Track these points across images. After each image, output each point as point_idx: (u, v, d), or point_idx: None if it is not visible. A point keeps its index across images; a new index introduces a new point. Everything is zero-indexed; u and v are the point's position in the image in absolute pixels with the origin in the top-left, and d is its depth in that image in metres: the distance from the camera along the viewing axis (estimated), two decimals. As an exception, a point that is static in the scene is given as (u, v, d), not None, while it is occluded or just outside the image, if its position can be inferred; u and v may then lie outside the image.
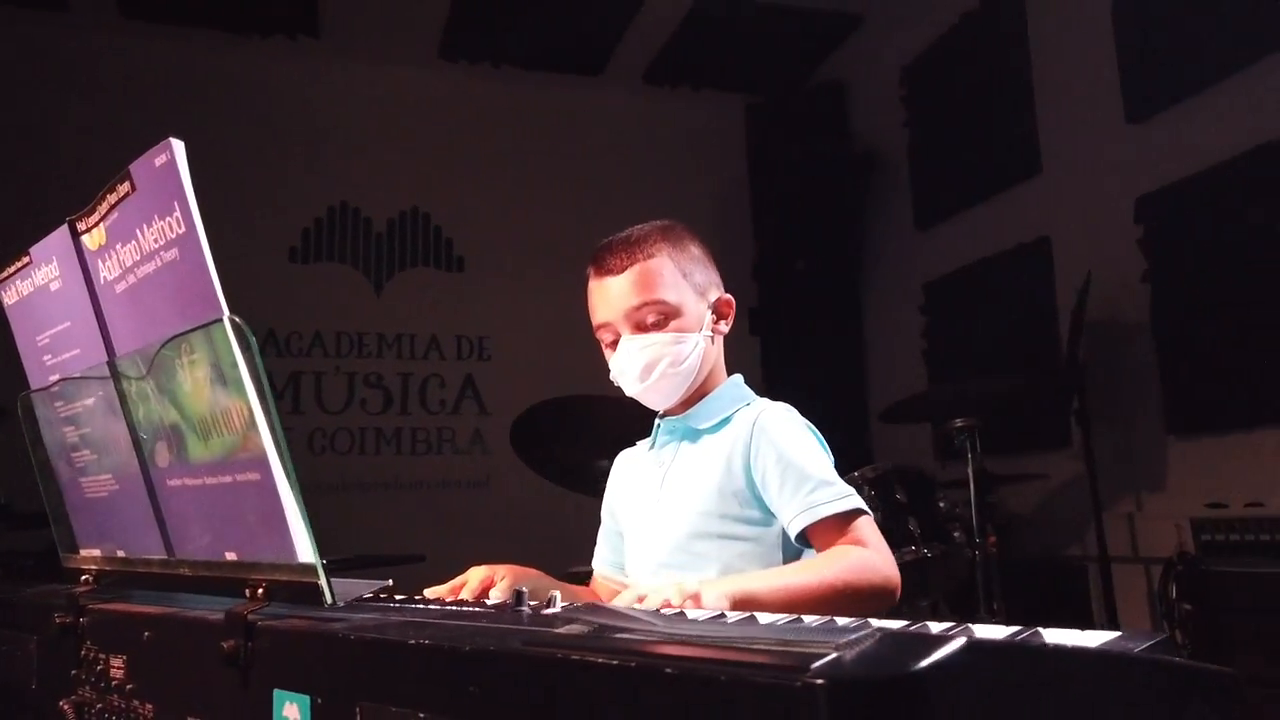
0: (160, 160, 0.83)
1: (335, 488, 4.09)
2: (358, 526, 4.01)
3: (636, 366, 1.37)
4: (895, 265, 4.47)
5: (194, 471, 0.95)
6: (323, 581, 0.80)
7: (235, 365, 0.83)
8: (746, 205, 4.83)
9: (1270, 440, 2.78)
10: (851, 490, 1.29)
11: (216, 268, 3.24)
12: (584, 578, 3.09)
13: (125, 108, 3.91)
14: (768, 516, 1.33)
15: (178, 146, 0.82)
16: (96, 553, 1.22)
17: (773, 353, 4.75)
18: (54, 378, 1.18)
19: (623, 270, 1.39)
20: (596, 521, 2.89)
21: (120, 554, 1.15)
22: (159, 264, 0.88)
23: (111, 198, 0.93)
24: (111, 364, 1.03)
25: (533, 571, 1.45)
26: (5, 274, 1.19)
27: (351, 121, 4.33)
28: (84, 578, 1.24)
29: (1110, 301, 3.18)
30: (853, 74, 4.73)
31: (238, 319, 0.82)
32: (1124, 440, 3.21)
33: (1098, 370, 3.19)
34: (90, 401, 1.11)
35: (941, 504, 2.83)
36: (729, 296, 1.47)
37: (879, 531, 1.28)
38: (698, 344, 1.39)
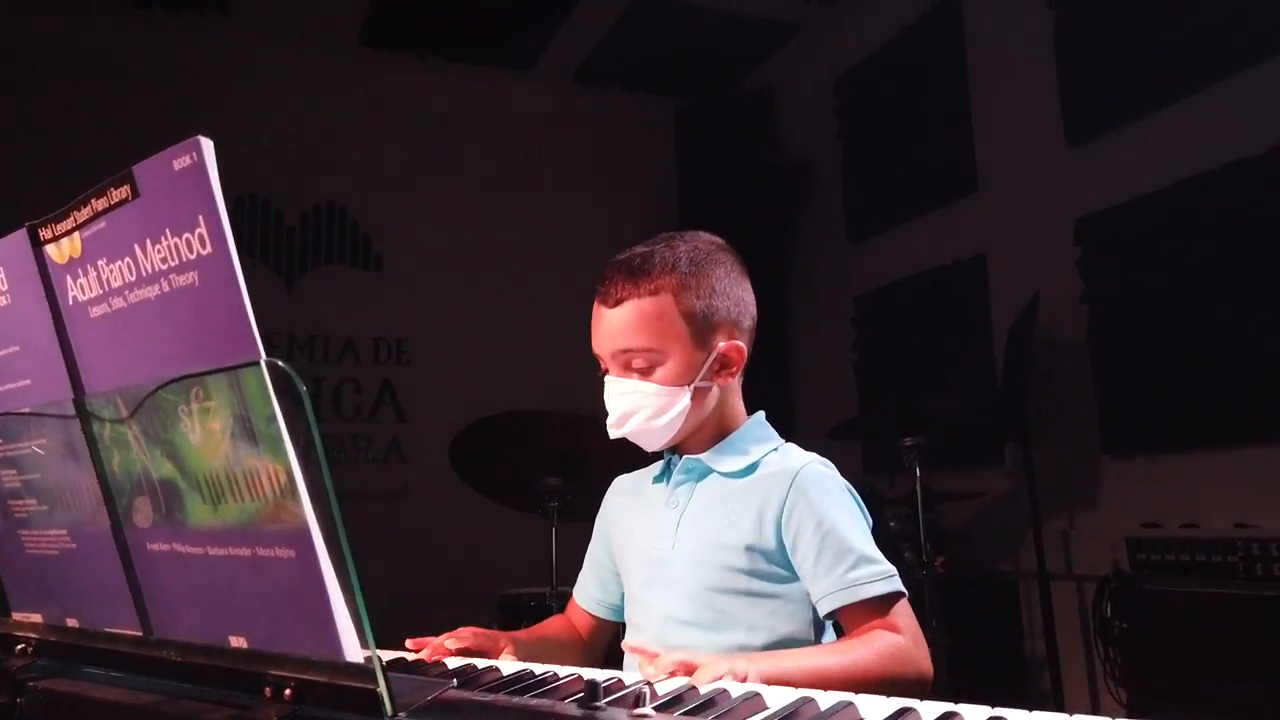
0: (182, 163, 0.67)
1: (240, 499, 3.81)
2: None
3: (614, 412, 1.27)
4: (826, 277, 4.46)
5: (191, 538, 0.79)
6: (381, 687, 0.66)
7: (272, 419, 0.67)
8: (675, 211, 4.74)
9: (1205, 463, 2.84)
10: (893, 569, 1.20)
11: None
12: (525, 599, 2.96)
13: (10, 83, 3.55)
14: (795, 573, 1.23)
15: (207, 147, 0.66)
16: (37, 618, 1.03)
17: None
18: (-14, 411, 0.98)
19: (618, 304, 1.27)
20: (535, 540, 2.76)
21: (72, 623, 0.97)
22: (166, 289, 0.72)
23: (97, 203, 0.76)
24: (79, 401, 0.85)
25: (498, 634, 1.30)
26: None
27: (263, 107, 4.05)
28: (20, 647, 1.04)
29: (1048, 321, 3.21)
30: (786, 82, 4.70)
31: (282, 364, 0.66)
32: (1060, 459, 3.25)
33: (1035, 389, 3.22)
34: (41, 442, 0.92)
35: (892, 523, 2.80)
36: (740, 344, 1.31)
37: (915, 619, 1.19)
38: (682, 399, 1.26)
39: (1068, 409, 3.24)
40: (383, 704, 0.65)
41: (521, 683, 1.02)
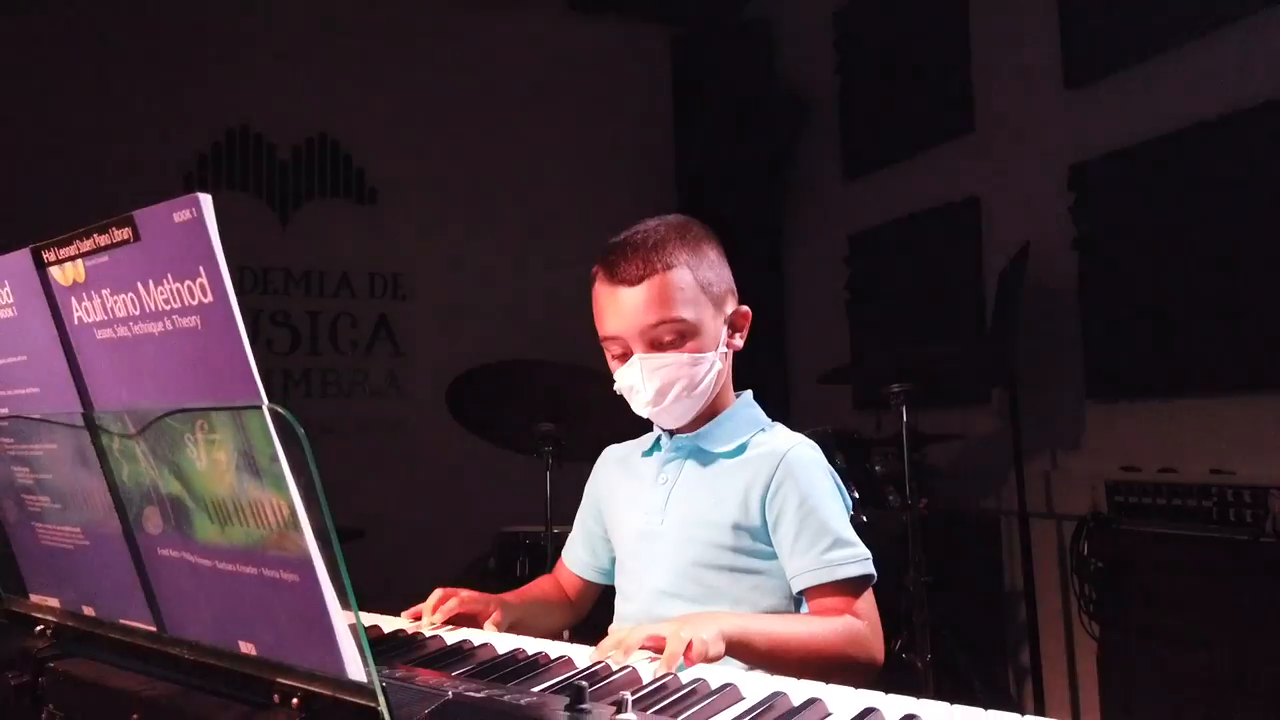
0: (182, 216, 0.70)
1: (240, 432, 3.88)
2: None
3: (650, 389, 1.29)
4: (821, 214, 4.45)
5: (200, 551, 0.83)
6: (382, 706, 0.71)
7: (274, 459, 0.71)
8: (670, 145, 4.71)
9: (1185, 410, 2.90)
10: (866, 553, 1.26)
11: (104, 189, 2.99)
12: (521, 537, 3.04)
13: (-7, 11, 3.49)
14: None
15: (205, 203, 0.69)
16: (54, 603, 1.08)
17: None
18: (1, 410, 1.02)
19: (639, 281, 1.29)
20: (529, 480, 2.84)
21: (88, 612, 1.03)
22: (169, 328, 0.75)
23: (100, 238, 0.79)
24: (89, 416, 0.89)
25: (488, 597, 1.36)
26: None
27: (252, 37, 3.99)
28: (39, 628, 1.10)
29: (1039, 266, 3.23)
30: (784, 13, 4.61)
31: (282, 410, 0.70)
32: (1045, 402, 3.31)
33: (1023, 333, 3.26)
34: (53, 447, 0.97)
35: (878, 468, 2.87)
36: (745, 308, 1.39)
37: (876, 608, 1.26)
38: (714, 364, 1.32)
39: (1054, 354, 3.28)
40: (381, 721, 0.71)
41: (514, 664, 1.09)
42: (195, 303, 0.72)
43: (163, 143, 3.85)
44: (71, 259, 0.83)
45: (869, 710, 0.87)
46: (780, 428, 1.40)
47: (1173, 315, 2.91)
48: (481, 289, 4.21)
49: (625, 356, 1.31)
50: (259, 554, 0.77)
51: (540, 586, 1.54)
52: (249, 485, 0.74)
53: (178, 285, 0.72)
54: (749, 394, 1.44)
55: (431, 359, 4.11)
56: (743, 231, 4.55)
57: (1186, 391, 2.89)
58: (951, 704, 0.89)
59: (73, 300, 0.86)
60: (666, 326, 1.29)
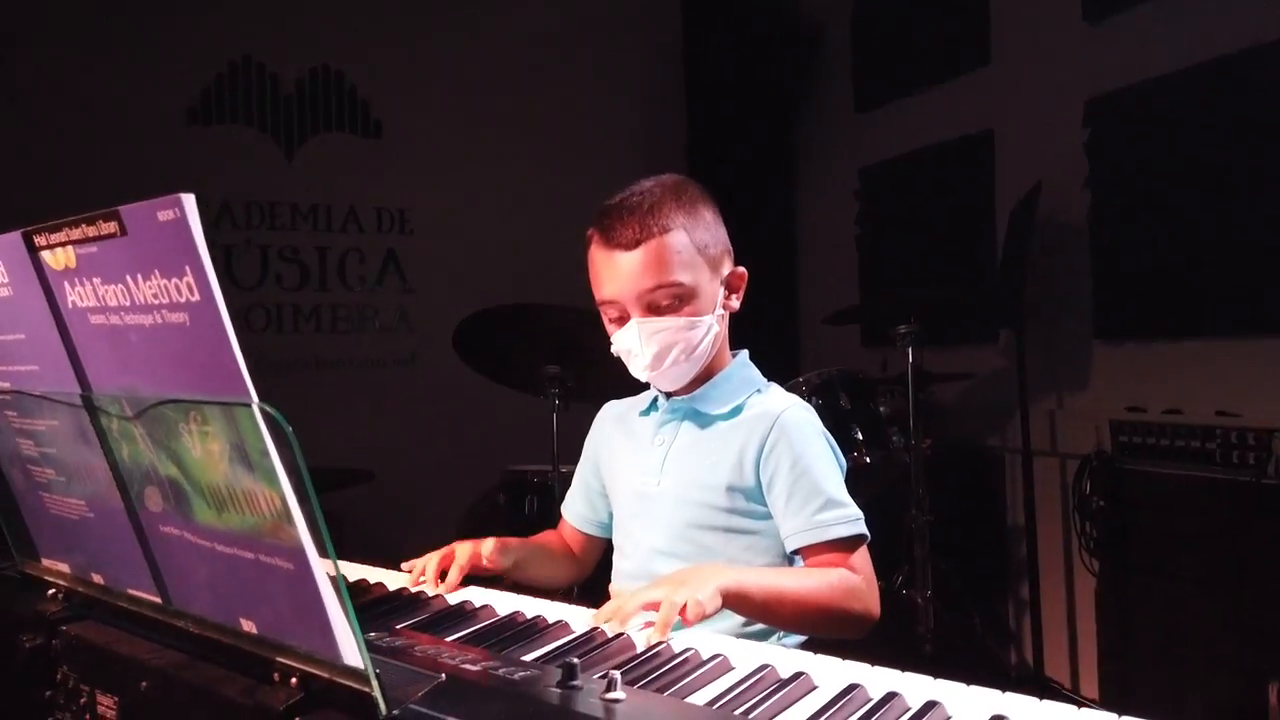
0: (166, 215, 0.69)
1: (252, 369, 3.90)
2: (281, 407, 3.87)
3: (648, 354, 1.30)
4: (832, 147, 4.38)
5: (199, 532, 0.85)
6: (376, 691, 0.74)
7: (265, 454, 0.73)
8: (680, 76, 4.62)
9: (1191, 351, 2.89)
10: (858, 514, 1.28)
11: (108, 127, 2.95)
12: (528, 476, 3.09)
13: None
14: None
15: (188, 202, 0.68)
16: (65, 568, 1.11)
17: (702, 228, 4.67)
18: (2, 385, 1.04)
19: (635, 245, 1.28)
20: (536, 420, 2.86)
21: (97, 579, 1.05)
22: (159, 321, 0.76)
23: (88, 229, 0.79)
24: (87, 398, 0.90)
25: (492, 542, 1.39)
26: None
27: (253, -36, 3.91)
28: (51, 591, 1.14)
29: (1051, 203, 3.19)
30: (797, -64, 4.47)
31: (271, 410, 0.71)
32: (1053, 340, 3.30)
33: (1032, 270, 3.23)
34: (55, 423, 0.98)
35: (882, 409, 2.88)
36: (741, 269, 1.38)
37: (871, 564, 1.28)
38: (711, 327, 1.32)
39: (1063, 292, 3.26)
40: (378, 707, 0.74)
41: (513, 628, 1.12)
42: (183, 300, 0.72)
43: (165, 74, 3.80)
44: (62, 245, 0.84)
45: (853, 686, 0.89)
46: (775, 388, 1.41)
47: (1184, 256, 2.88)
48: (489, 226, 4.19)
49: (622, 320, 1.32)
50: (255, 540, 0.79)
51: (544, 536, 1.57)
52: (242, 476, 0.76)
53: (165, 281, 0.73)
54: (745, 354, 1.44)
55: (441, 295, 4.10)
56: (753, 165, 4.50)
57: (1195, 333, 2.88)
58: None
59: (65, 285, 0.86)
60: (664, 291, 1.28)
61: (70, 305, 0.87)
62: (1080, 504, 3.06)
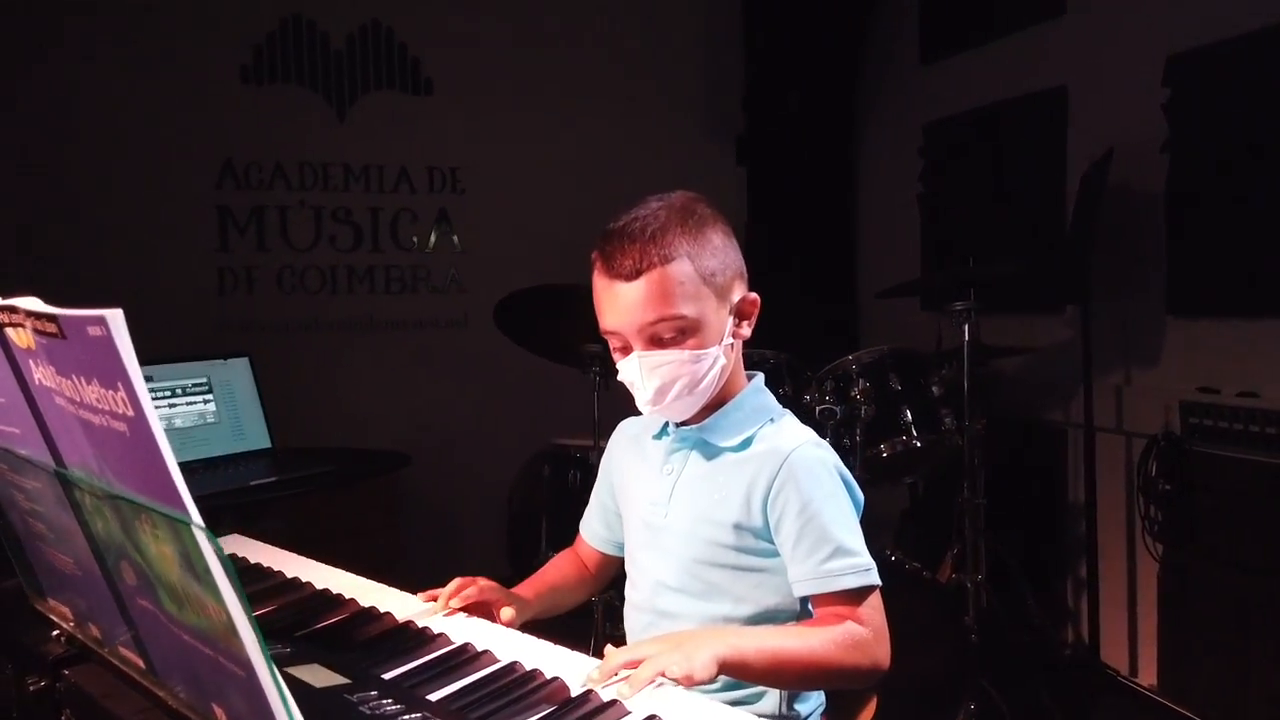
0: (94, 331, 0.66)
1: (308, 327, 3.97)
2: (336, 368, 3.93)
3: (650, 388, 1.24)
4: (895, 101, 4.19)
5: (169, 617, 0.84)
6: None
7: (209, 571, 0.70)
8: (739, 27, 4.44)
9: (1271, 331, 2.71)
10: (870, 563, 1.22)
11: (163, 87, 2.96)
12: (571, 450, 3.08)
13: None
14: None
15: (113, 320, 0.65)
16: (68, 612, 1.12)
17: (759, 184, 4.55)
18: (-7, 438, 1.04)
19: (635, 276, 1.21)
20: (579, 395, 2.84)
21: (94, 631, 1.06)
22: (105, 424, 0.73)
23: (35, 322, 0.76)
24: (60, 474, 0.89)
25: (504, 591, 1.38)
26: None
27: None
28: (55, 633, 1.15)
29: (1124, 167, 3.00)
30: None
31: (202, 530, 0.68)
32: (1121, 312, 3.14)
33: (1102, 237, 3.06)
34: (39, 485, 0.98)
35: (934, 388, 2.78)
36: (753, 295, 1.31)
37: (882, 612, 1.23)
38: (717, 359, 1.25)
39: (1135, 263, 3.09)
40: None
41: (507, 679, 1.10)
42: (120, 412, 0.69)
43: (219, 32, 3.79)
44: (22, 326, 0.81)
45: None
46: (788, 420, 1.34)
47: (1267, 229, 2.69)
48: (541, 183, 4.13)
49: (626, 350, 1.26)
50: (212, 641, 0.77)
51: (558, 568, 1.54)
52: (191, 583, 0.74)
53: (103, 391, 0.70)
54: (759, 380, 1.37)
55: (492, 255, 4.09)
56: (812, 119, 4.34)
57: (1275, 312, 2.70)
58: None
59: (30, 362, 0.84)
60: (665, 324, 1.22)
61: (37, 382, 0.85)
62: (1145, 485, 2.94)
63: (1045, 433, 3.41)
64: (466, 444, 4.02)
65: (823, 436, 2.54)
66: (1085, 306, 3.06)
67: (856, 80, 4.36)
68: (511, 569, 3.50)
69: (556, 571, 1.52)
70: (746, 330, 1.31)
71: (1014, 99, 3.52)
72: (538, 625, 1.45)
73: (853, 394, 2.64)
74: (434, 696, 1.05)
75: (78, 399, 0.76)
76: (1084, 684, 3.07)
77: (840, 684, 1.21)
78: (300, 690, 1.04)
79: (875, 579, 1.22)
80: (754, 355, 2.69)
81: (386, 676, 1.10)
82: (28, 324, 0.78)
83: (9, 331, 0.85)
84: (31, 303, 0.77)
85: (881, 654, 1.20)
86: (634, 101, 4.31)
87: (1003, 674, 2.73)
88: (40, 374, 0.83)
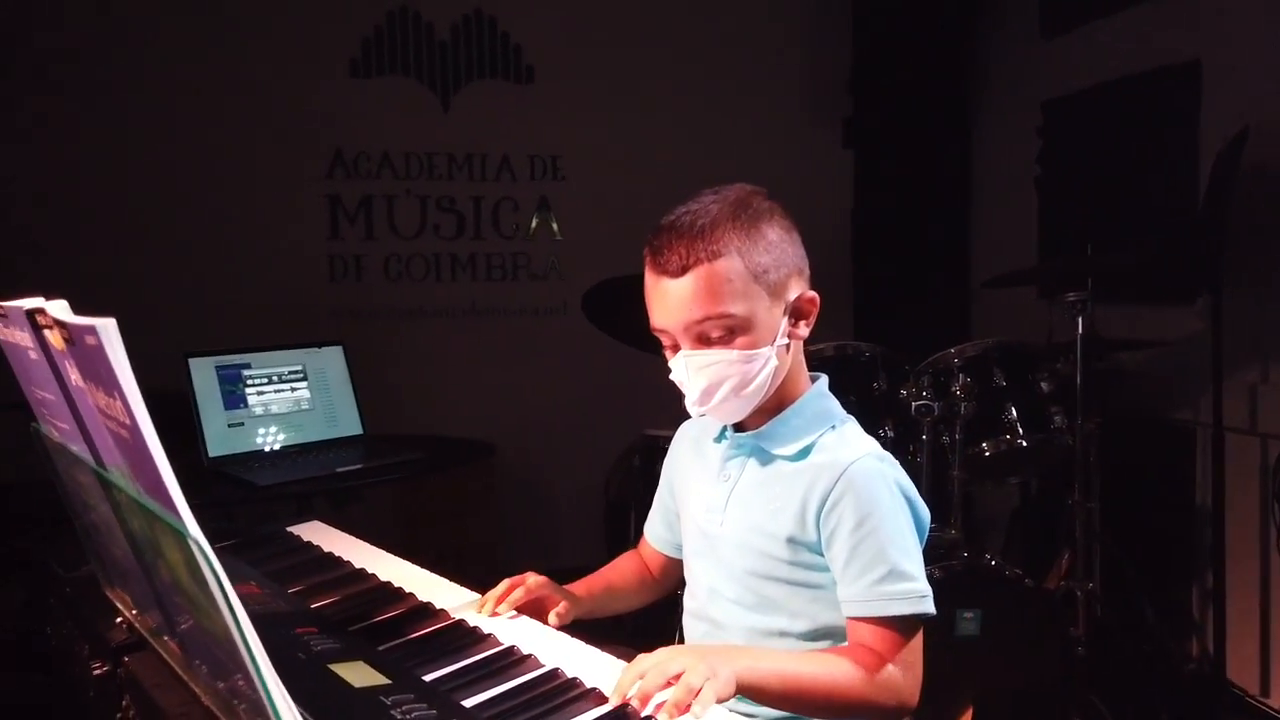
0: (91, 340, 0.66)
1: (413, 314, 4.05)
2: (439, 354, 4.00)
3: (696, 389, 1.19)
4: (1012, 77, 3.97)
5: (193, 618, 0.84)
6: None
7: (205, 582, 0.69)
8: (844, 3, 4.30)
9: None
10: (926, 590, 1.14)
11: (275, 80, 3.10)
12: (660, 442, 3.05)
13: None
14: None
15: (104, 330, 0.64)
16: (128, 599, 1.15)
17: (867, 168, 4.40)
18: (48, 428, 1.07)
19: (682, 273, 1.16)
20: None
21: (150, 622, 1.08)
22: (116, 429, 0.73)
23: (57, 330, 0.77)
24: (98, 473, 0.91)
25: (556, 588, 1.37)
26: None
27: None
28: (120, 620, 1.19)
29: (1262, 146, 2.76)
30: None
31: (198, 542, 0.67)
32: (1257, 304, 2.89)
33: (1236, 222, 2.82)
34: (89, 481, 1.00)
35: (1044, 384, 2.63)
36: (812, 294, 1.23)
37: (920, 650, 1.16)
38: (769, 360, 1.19)
39: (1272, 250, 2.84)
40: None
41: (544, 687, 1.08)
42: (122, 420, 0.69)
43: (329, 26, 3.89)
44: (49, 328, 0.83)
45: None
46: (850, 428, 1.26)
47: None
48: (642, 169, 4.09)
49: (676, 348, 1.21)
50: (222, 646, 0.76)
51: (619, 568, 1.51)
52: (196, 591, 0.73)
53: (107, 399, 0.70)
54: (822, 383, 1.30)
55: (591, 241, 4.08)
56: (924, 98, 4.17)
57: None
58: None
59: (66, 364, 0.86)
60: (712, 322, 1.16)
61: (73, 383, 0.86)
62: (1279, 493, 2.72)
63: (1170, 433, 3.18)
64: (565, 431, 4.05)
65: (919, 434, 2.47)
66: (1217, 297, 2.83)
67: (971, 56, 4.16)
68: (609, 557, 3.50)
69: (616, 572, 1.50)
70: (804, 330, 1.24)
71: (1142, 73, 3.29)
72: (608, 625, 1.43)
73: (953, 390, 2.51)
74: (469, 702, 1.03)
75: (99, 403, 0.76)
76: (1207, 703, 2.87)
77: (861, 717, 1.15)
78: (339, 689, 1.04)
79: (929, 608, 1.15)
80: (848, 348, 2.60)
81: (428, 678, 1.09)
82: (55, 327, 0.78)
83: (46, 333, 0.86)
84: (58, 307, 0.78)
85: (909, 694, 1.14)
86: (735, 85, 4.23)
87: (1115, 689, 2.57)
88: (74, 375, 0.85)
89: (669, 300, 1.18)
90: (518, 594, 1.29)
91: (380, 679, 1.08)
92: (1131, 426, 3.10)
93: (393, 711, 0.98)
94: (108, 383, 0.68)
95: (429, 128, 4.05)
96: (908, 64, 4.16)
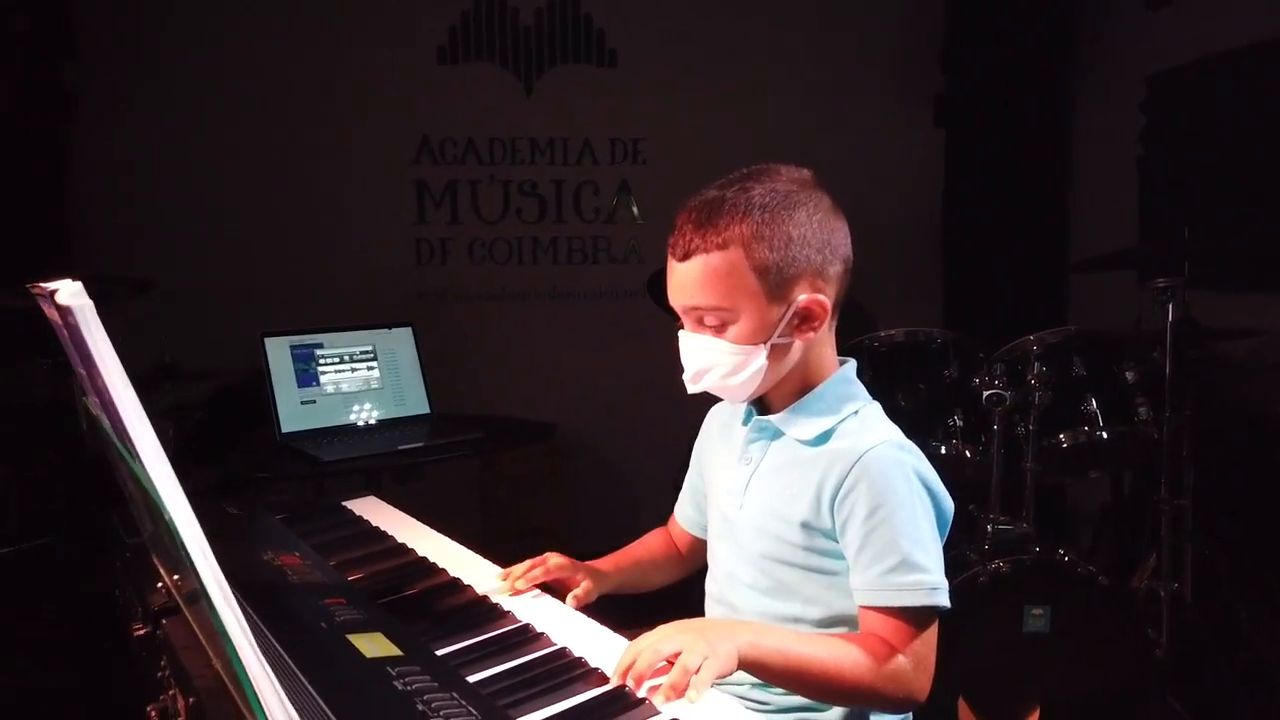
0: (70, 320, 0.69)
1: (495, 297, 4.13)
2: (518, 336, 4.07)
3: (689, 368, 1.22)
4: (1115, 50, 3.78)
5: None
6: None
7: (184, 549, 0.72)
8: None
9: None
10: (938, 582, 1.11)
11: (368, 69, 3.19)
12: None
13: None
14: None
15: (75, 302, 0.67)
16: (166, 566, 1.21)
17: (959, 146, 4.26)
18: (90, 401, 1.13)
19: (686, 257, 1.18)
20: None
21: (182, 590, 1.13)
22: (103, 400, 0.77)
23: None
24: (117, 447, 0.95)
25: (578, 565, 1.38)
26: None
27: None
28: (160, 584, 1.25)
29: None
30: None
31: (172, 517, 0.70)
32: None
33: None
34: (111, 454, 1.05)
35: (1129, 374, 2.51)
36: (821, 298, 1.18)
37: (933, 643, 1.13)
38: (759, 356, 1.17)
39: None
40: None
41: (547, 666, 1.09)
42: (107, 399, 0.72)
43: (418, 15, 3.97)
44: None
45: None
46: (872, 413, 1.23)
47: None
48: (719, 154, 4.04)
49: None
50: (206, 615, 0.80)
51: (648, 545, 1.52)
52: (183, 558, 0.76)
53: (94, 378, 0.73)
54: (848, 368, 1.27)
55: (670, 226, 4.06)
56: (1020, 71, 4.01)
57: None
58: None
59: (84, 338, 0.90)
60: (705, 312, 1.18)
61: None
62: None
63: (1271, 427, 2.99)
64: (642, 414, 4.06)
65: (990, 424, 2.38)
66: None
67: (1071, 28, 3.97)
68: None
69: (644, 548, 1.50)
70: (810, 334, 1.20)
71: (1256, 45, 3.08)
72: (634, 607, 1.44)
73: (1028, 379, 2.42)
74: (474, 678, 1.05)
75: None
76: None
77: (866, 706, 1.16)
78: (351, 659, 1.07)
79: (941, 600, 1.12)
80: (919, 334, 2.54)
81: (440, 652, 1.12)
82: (50, 305, 0.83)
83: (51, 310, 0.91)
84: (65, 285, 0.82)
85: (918, 687, 1.12)
86: (820, 63, 4.15)
87: (1198, 695, 2.45)
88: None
89: (673, 281, 1.22)
90: (536, 573, 1.31)
91: (393, 650, 1.10)
92: (1229, 420, 2.93)
93: (395, 682, 1.01)
94: (86, 364, 0.71)
95: (512, 113, 4.10)
96: (1004, 37, 4.01)
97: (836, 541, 1.17)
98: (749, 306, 1.16)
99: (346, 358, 2.49)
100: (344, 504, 1.81)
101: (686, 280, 1.18)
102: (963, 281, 4.23)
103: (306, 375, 2.41)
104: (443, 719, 0.93)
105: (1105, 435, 2.44)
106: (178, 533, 0.71)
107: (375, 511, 1.77)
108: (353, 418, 2.46)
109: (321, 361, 2.45)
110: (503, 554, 1.44)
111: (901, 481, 1.14)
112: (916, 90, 4.24)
